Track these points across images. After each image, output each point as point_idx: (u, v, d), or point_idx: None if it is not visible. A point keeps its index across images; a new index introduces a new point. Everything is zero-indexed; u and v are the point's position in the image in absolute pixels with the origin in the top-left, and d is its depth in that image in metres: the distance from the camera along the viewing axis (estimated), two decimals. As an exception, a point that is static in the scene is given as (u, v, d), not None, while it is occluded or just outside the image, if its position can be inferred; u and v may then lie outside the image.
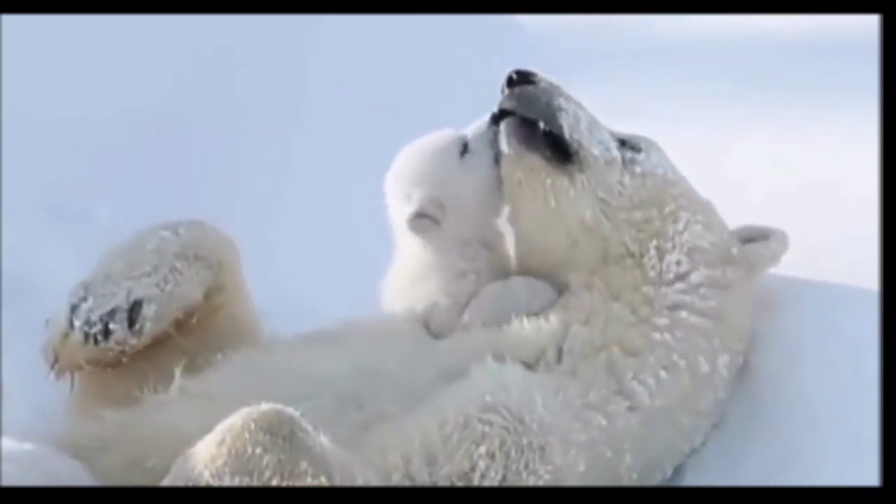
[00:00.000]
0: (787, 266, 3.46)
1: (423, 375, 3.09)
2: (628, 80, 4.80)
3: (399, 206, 3.39)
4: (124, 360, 3.22)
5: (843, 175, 3.94)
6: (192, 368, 3.14)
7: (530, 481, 2.84)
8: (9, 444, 2.85)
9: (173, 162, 4.55)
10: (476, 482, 2.81)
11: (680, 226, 3.24)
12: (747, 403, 3.28)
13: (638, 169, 3.30)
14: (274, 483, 2.63)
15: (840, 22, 4.69)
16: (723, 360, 3.19)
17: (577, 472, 2.94)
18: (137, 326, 3.19)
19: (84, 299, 3.19)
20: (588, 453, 2.99)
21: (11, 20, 4.75)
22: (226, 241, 3.35)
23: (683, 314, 3.16)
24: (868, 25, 4.18)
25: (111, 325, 3.18)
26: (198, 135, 4.70)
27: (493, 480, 2.82)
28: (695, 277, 3.20)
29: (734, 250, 3.30)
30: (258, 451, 2.64)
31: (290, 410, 2.71)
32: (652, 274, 3.20)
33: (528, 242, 3.34)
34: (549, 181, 3.27)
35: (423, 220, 3.34)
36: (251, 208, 4.40)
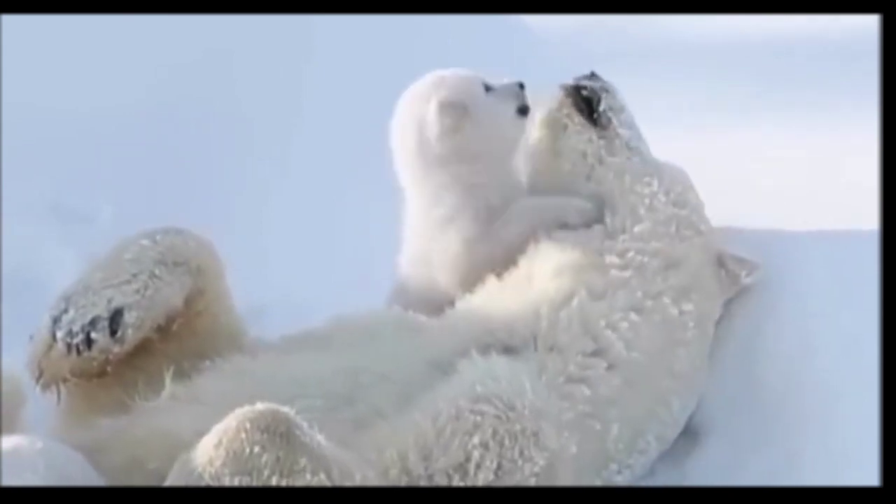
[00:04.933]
0: (787, 265, 3.46)
1: (411, 369, 3.11)
2: (632, 81, 4.79)
3: (418, 113, 3.47)
4: (109, 369, 3.22)
5: (843, 175, 3.94)
6: (179, 374, 3.14)
7: (526, 468, 2.86)
8: (18, 440, 2.85)
9: (174, 161, 4.55)
10: (472, 473, 2.83)
11: (647, 189, 3.38)
12: (748, 405, 3.28)
13: (657, 168, 3.44)
14: (273, 481, 2.63)
15: (840, 22, 4.69)
16: (687, 307, 3.28)
17: (570, 455, 2.99)
18: (119, 334, 3.19)
19: (65, 311, 3.20)
20: (578, 431, 3.05)
21: (11, 19, 4.75)
22: (205, 245, 3.35)
23: (630, 254, 3.28)
24: (868, 25, 4.18)
25: (93, 335, 3.18)
26: (199, 135, 4.70)
27: (488, 470, 2.83)
28: (639, 229, 3.33)
29: (703, 227, 3.40)
30: (256, 449, 2.65)
31: (286, 409, 2.71)
32: (609, 223, 3.35)
33: (538, 173, 3.53)
34: (569, 122, 3.50)
35: (453, 110, 3.43)
36: (250, 208, 4.41)
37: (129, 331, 3.21)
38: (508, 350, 3.14)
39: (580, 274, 3.26)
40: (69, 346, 3.18)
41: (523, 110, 3.50)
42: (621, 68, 4.84)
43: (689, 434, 3.34)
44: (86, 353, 3.18)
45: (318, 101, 4.90)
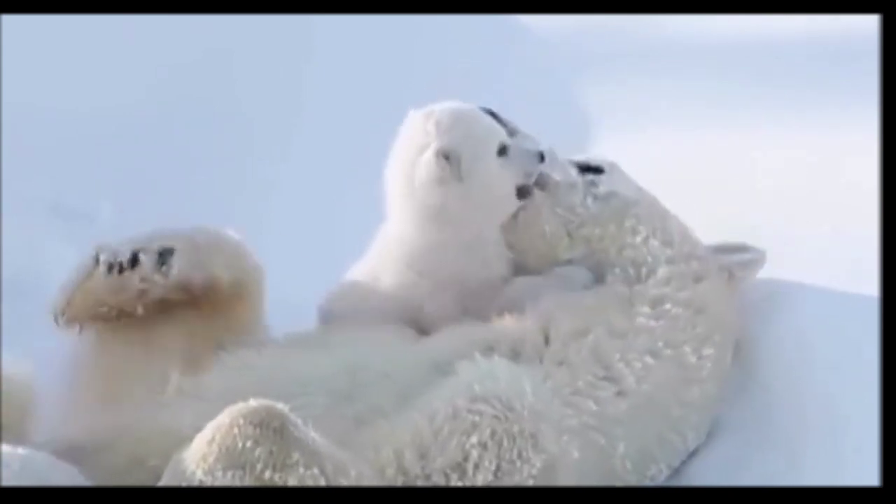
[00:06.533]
0: (787, 266, 3.46)
1: (413, 369, 3.11)
2: (632, 81, 4.80)
3: (415, 146, 3.26)
4: (140, 310, 3.20)
5: (843, 175, 3.94)
6: (188, 361, 3.14)
7: (525, 470, 2.85)
8: (3, 448, 2.84)
9: (174, 160, 4.55)
10: (470, 473, 2.82)
11: (638, 239, 3.31)
12: (750, 406, 3.28)
13: (601, 189, 3.37)
14: (266, 476, 2.64)
15: (840, 22, 4.70)
16: (707, 351, 3.22)
17: (571, 460, 2.97)
18: (164, 268, 3.19)
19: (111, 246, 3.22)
20: (581, 440, 3.02)
21: (11, 19, 4.75)
22: (258, 266, 3.39)
23: (667, 305, 3.22)
24: (868, 25, 4.18)
25: (140, 256, 3.17)
26: (199, 135, 4.70)
27: (487, 471, 2.83)
28: (662, 273, 3.26)
29: (699, 252, 3.35)
30: (248, 444, 2.65)
31: (279, 405, 2.72)
32: (622, 277, 3.27)
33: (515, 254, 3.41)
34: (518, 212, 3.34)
35: (448, 163, 3.20)
36: (250, 207, 4.40)
37: (174, 269, 3.21)
38: (514, 356, 3.11)
39: (601, 314, 3.20)
40: (111, 265, 3.17)
41: (523, 193, 3.30)
42: (621, 68, 4.86)
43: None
44: (128, 272, 3.17)
45: (318, 101, 4.90)
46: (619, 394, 3.12)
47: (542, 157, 3.31)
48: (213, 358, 3.19)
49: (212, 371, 3.15)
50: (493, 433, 2.84)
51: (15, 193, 4.25)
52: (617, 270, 3.29)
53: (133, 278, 3.19)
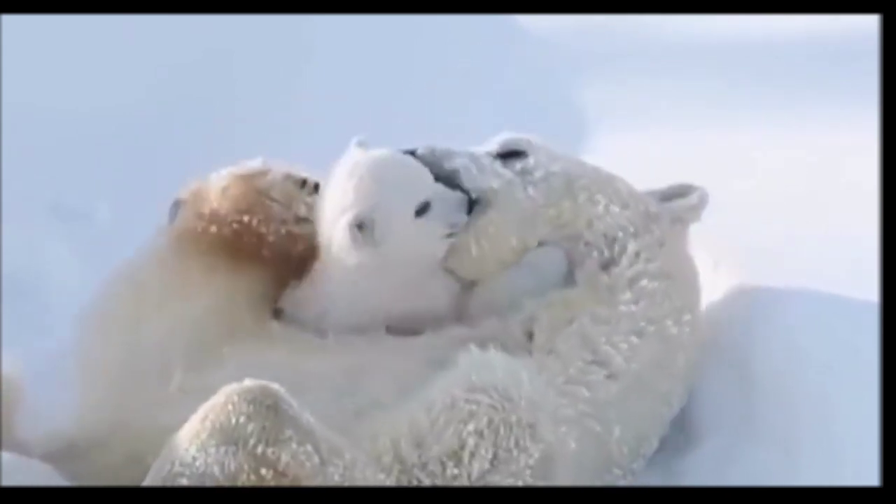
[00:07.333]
0: (787, 265, 3.46)
1: (411, 365, 3.12)
2: (632, 81, 4.80)
3: (336, 209, 3.23)
4: (266, 250, 3.18)
5: (843, 175, 3.94)
6: (192, 359, 3.15)
7: (522, 459, 2.87)
8: None
9: (174, 161, 4.55)
10: (467, 461, 2.84)
11: (600, 209, 3.31)
12: (747, 405, 3.28)
13: (537, 174, 3.34)
14: (259, 450, 2.64)
15: (840, 22, 4.70)
16: (686, 318, 3.26)
17: (568, 450, 2.99)
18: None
19: None
20: (577, 429, 3.04)
21: (11, 19, 4.75)
22: None
23: (643, 282, 3.25)
24: (868, 25, 4.18)
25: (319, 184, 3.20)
26: (199, 135, 4.70)
27: (483, 459, 2.84)
28: (632, 248, 3.28)
29: (652, 209, 3.36)
30: (241, 420, 2.67)
31: (275, 385, 2.73)
32: (599, 260, 3.28)
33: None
34: (471, 232, 3.29)
35: (360, 232, 3.17)
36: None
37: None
38: (506, 349, 3.12)
39: (584, 306, 3.21)
40: (290, 175, 3.22)
41: (453, 232, 3.25)
42: (621, 68, 4.86)
43: (686, 434, 3.34)
44: (306, 192, 3.22)
45: (317, 101, 4.90)
46: (610, 377, 3.14)
47: (470, 204, 3.25)
48: (216, 355, 3.19)
49: (218, 367, 3.15)
50: (490, 422, 2.86)
51: (14, 193, 4.25)
52: (595, 253, 3.29)
53: (303, 202, 3.20)
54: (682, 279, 3.31)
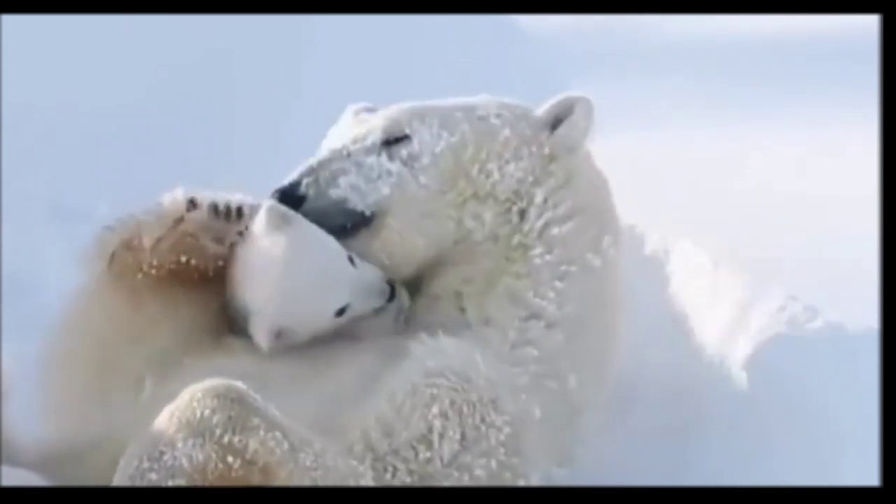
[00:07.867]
0: (787, 265, 3.46)
1: (369, 357, 3.12)
2: (631, 81, 4.80)
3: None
4: (211, 272, 3.15)
5: (843, 175, 3.94)
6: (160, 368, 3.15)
7: (492, 436, 2.90)
8: None
9: (174, 161, 4.55)
10: (436, 444, 2.87)
11: (496, 175, 3.29)
12: (748, 406, 3.29)
13: (424, 160, 3.30)
14: (226, 440, 2.64)
15: (840, 22, 4.70)
16: (605, 244, 3.28)
17: (533, 418, 3.02)
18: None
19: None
20: (537, 394, 3.07)
21: (11, 19, 4.75)
22: None
23: (554, 230, 3.26)
24: (868, 25, 4.18)
25: (244, 209, 3.14)
26: (199, 135, 4.70)
27: (452, 440, 2.87)
28: (539, 197, 3.28)
29: (546, 150, 3.33)
30: (206, 413, 2.67)
31: (238, 382, 2.73)
32: (507, 229, 3.28)
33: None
34: (378, 245, 3.27)
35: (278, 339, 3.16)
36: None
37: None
38: (451, 332, 3.11)
39: (502, 270, 3.24)
40: (217, 209, 3.11)
41: (341, 312, 3.17)
42: (621, 68, 4.86)
43: (687, 435, 3.34)
44: (233, 221, 3.12)
45: (317, 101, 4.90)
46: (549, 326, 3.18)
47: (391, 293, 3.20)
48: (183, 364, 3.19)
49: (185, 375, 3.14)
50: (452, 402, 2.89)
51: (14, 193, 4.25)
52: (512, 215, 3.26)
53: (234, 228, 3.14)
54: (593, 207, 3.31)
